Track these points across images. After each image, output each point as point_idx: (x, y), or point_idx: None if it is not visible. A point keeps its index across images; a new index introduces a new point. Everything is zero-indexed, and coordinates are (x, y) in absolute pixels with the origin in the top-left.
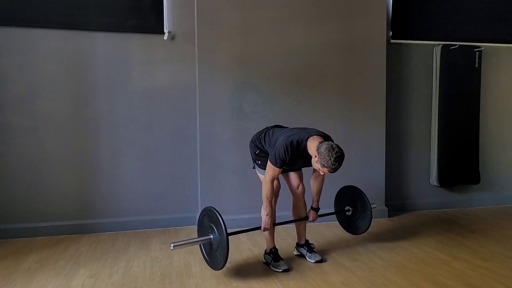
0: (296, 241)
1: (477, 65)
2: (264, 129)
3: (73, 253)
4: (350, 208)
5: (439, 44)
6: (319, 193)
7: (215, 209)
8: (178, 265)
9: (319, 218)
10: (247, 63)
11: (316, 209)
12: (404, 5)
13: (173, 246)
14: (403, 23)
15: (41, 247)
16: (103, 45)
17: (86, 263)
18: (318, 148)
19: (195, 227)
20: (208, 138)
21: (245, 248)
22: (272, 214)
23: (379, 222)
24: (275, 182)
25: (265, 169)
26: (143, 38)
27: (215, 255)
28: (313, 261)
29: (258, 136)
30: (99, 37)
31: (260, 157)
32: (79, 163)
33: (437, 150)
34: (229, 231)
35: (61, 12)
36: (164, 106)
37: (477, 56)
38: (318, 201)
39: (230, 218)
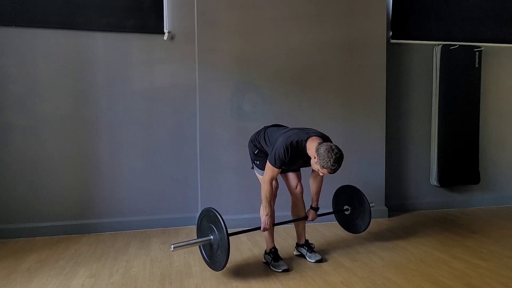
0: (296, 241)
1: (477, 65)
2: (262, 128)
3: (73, 253)
4: (349, 207)
5: (439, 44)
6: (318, 192)
7: (214, 209)
8: (178, 265)
9: (318, 218)
10: (247, 63)
11: (316, 209)
12: (404, 5)
13: (173, 247)
14: (403, 23)
15: (41, 247)
16: (103, 45)
17: (86, 263)
18: (318, 149)
19: (195, 227)
20: (208, 138)
21: (245, 248)
22: (272, 214)
23: (379, 222)
24: (274, 182)
25: (263, 169)
26: (143, 38)
27: (216, 255)
28: (313, 261)
29: (256, 136)
30: (99, 37)
31: (259, 157)
32: (79, 163)
33: (437, 150)
34: (229, 231)
35: (61, 12)
36: (164, 106)
37: (477, 56)
38: (317, 200)
39: (230, 218)
